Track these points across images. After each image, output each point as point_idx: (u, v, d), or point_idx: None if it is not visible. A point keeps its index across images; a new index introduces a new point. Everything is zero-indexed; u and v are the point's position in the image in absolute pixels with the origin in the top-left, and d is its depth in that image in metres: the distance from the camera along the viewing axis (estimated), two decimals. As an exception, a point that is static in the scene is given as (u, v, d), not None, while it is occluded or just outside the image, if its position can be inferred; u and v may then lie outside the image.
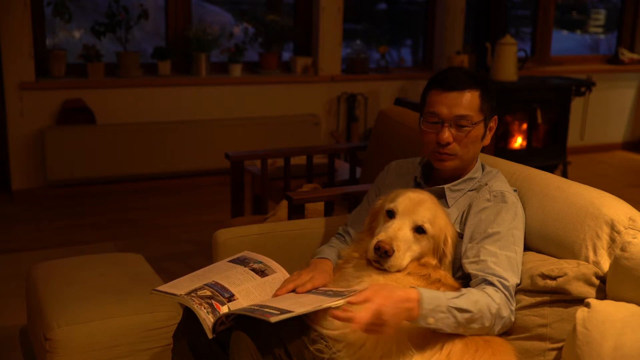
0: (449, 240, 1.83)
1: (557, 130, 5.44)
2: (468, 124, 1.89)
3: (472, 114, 1.89)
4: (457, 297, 1.66)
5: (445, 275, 1.81)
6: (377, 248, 1.76)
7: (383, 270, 1.78)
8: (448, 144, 1.89)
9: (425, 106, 1.96)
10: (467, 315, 1.64)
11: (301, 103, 5.41)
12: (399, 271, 1.78)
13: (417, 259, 1.81)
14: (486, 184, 1.93)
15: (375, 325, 1.56)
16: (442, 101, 1.90)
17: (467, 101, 1.89)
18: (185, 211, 4.59)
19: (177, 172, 5.05)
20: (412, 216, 1.80)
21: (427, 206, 1.82)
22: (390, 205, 1.83)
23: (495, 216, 1.84)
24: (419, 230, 1.80)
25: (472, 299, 1.67)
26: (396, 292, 1.61)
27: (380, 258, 1.76)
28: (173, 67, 5.09)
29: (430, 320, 1.62)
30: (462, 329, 1.65)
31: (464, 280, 1.87)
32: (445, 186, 1.95)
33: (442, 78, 1.93)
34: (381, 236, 1.78)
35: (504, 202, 1.87)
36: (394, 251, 1.75)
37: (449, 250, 1.83)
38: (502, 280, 1.73)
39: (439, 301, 1.63)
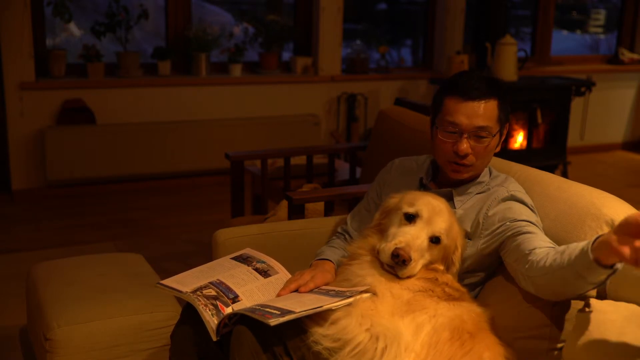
0: (459, 250, 1.83)
1: (557, 130, 5.44)
2: (487, 135, 1.87)
3: (491, 124, 1.87)
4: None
5: (451, 279, 1.81)
6: (396, 255, 1.72)
7: (393, 274, 1.76)
8: (466, 155, 1.87)
9: (441, 113, 1.91)
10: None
11: (301, 103, 5.41)
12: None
13: (426, 265, 1.80)
14: (502, 186, 1.92)
15: None
16: (462, 111, 1.86)
17: (487, 112, 1.86)
18: (185, 211, 4.59)
19: (177, 172, 5.05)
20: (432, 226, 1.78)
21: (445, 217, 1.80)
22: (410, 210, 1.79)
23: (519, 214, 1.84)
24: (434, 240, 1.78)
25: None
26: None
27: (396, 265, 1.73)
28: (173, 67, 5.09)
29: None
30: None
31: (467, 286, 1.88)
32: (453, 190, 1.95)
33: (462, 86, 1.87)
34: (400, 243, 1.74)
35: (523, 200, 1.88)
36: (411, 260, 1.73)
37: (457, 259, 1.83)
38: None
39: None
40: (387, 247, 1.75)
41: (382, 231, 1.84)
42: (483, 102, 1.86)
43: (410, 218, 1.79)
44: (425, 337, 1.66)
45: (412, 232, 1.76)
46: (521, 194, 1.90)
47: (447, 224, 1.79)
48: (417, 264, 1.75)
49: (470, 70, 2.02)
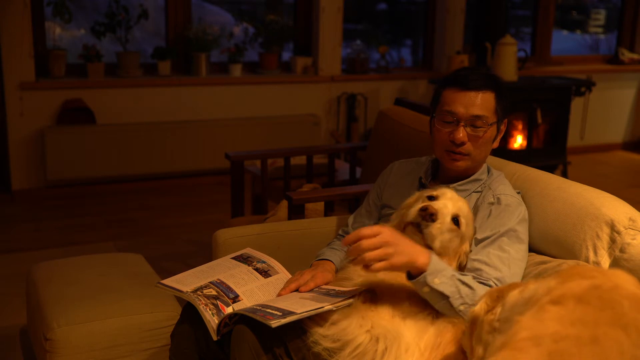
0: (468, 251, 1.82)
1: (557, 130, 5.44)
2: (484, 125, 1.89)
3: (488, 114, 1.89)
4: (461, 274, 1.69)
5: None
6: (424, 209, 1.73)
7: (416, 238, 1.74)
8: (463, 143, 1.89)
9: (440, 105, 1.94)
10: (469, 291, 1.66)
11: (301, 103, 5.41)
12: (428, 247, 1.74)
13: (440, 253, 1.76)
14: (490, 188, 1.93)
15: (382, 254, 1.59)
16: (459, 100, 1.89)
17: (484, 102, 1.89)
18: (185, 211, 4.59)
19: (177, 172, 5.05)
20: (455, 204, 1.78)
21: (465, 204, 1.82)
22: (433, 193, 1.81)
23: (500, 219, 1.84)
24: (455, 220, 1.77)
25: (474, 281, 1.70)
26: (409, 241, 1.66)
27: (422, 221, 1.73)
28: (173, 67, 5.09)
29: (436, 280, 1.63)
30: (457, 304, 1.65)
31: None
32: (451, 185, 1.95)
33: (460, 77, 1.91)
34: (431, 203, 1.75)
35: (507, 205, 1.87)
36: (438, 218, 1.73)
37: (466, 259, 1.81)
38: (495, 281, 1.75)
39: (446, 267, 1.66)
40: (415, 206, 1.76)
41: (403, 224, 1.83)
42: (480, 92, 1.89)
43: (434, 198, 1.80)
44: (430, 338, 1.66)
45: (439, 200, 1.78)
46: (506, 196, 1.89)
47: (467, 211, 1.80)
48: (441, 229, 1.74)
49: (470, 67, 2.03)
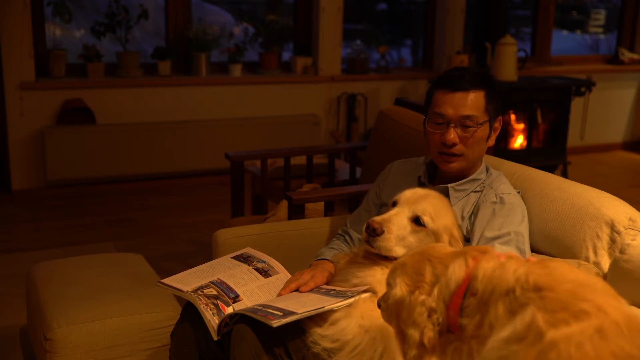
0: (456, 242, 1.80)
1: (557, 130, 5.44)
2: (473, 125, 1.89)
3: (477, 114, 1.89)
4: None
5: None
6: (367, 226, 1.75)
7: (381, 257, 1.75)
8: (454, 144, 1.89)
9: (430, 107, 1.95)
10: None
11: (301, 103, 5.41)
12: (393, 259, 1.74)
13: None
14: (491, 187, 1.93)
15: None
16: (448, 102, 1.89)
17: (474, 102, 1.89)
18: (185, 211, 4.59)
19: (177, 172, 5.05)
20: (413, 206, 1.78)
21: (431, 201, 1.80)
22: (395, 198, 1.83)
23: (505, 218, 1.84)
24: (416, 221, 1.77)
25: None
26: None
27: (369, 237, 1.74)
28: (173, 67, 5.09)
29: None
30: None
31: None
32: (449, 185, 1.95)
33: (448, 78, 1.91)
34: (374, 217, 1.77)
35: (511, 204, 1.87)
36: (383, 231, 1.73)
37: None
38: None
39: None
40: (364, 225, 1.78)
41: None
42: (470, 92, 1.89)
43: (395, 203, 1.81)
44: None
45: (391, 211, 1.79)
46: (509, 195, 1.90)
47: (433, 209, 1.78)
48: (394, 239, 1.74)
49: (460, 67, 2.03)
